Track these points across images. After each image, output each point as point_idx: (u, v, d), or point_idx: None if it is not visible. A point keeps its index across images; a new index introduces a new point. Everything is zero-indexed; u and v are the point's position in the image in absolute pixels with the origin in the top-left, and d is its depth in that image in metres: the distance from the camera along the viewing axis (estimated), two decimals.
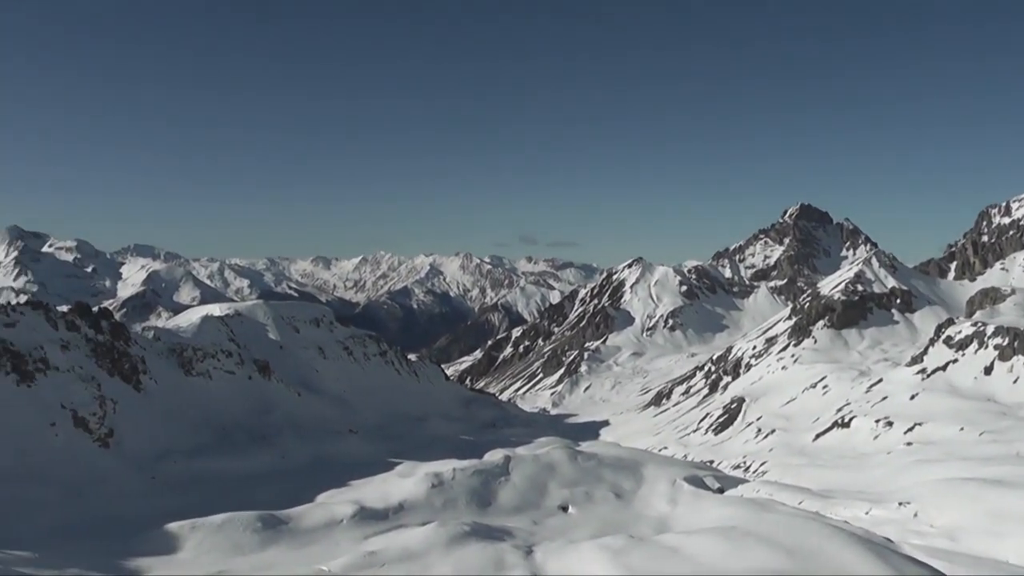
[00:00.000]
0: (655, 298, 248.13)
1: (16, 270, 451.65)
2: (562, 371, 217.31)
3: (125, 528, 69.85)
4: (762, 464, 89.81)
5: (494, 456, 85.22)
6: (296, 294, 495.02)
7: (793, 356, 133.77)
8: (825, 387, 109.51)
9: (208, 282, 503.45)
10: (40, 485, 79.55)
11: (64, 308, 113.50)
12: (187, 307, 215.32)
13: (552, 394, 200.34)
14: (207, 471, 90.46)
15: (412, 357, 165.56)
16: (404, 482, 79.75)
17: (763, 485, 75.96)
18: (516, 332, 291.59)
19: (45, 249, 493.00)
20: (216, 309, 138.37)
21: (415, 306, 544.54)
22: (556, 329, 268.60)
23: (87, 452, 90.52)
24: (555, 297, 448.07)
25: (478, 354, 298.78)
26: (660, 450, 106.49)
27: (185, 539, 66.82)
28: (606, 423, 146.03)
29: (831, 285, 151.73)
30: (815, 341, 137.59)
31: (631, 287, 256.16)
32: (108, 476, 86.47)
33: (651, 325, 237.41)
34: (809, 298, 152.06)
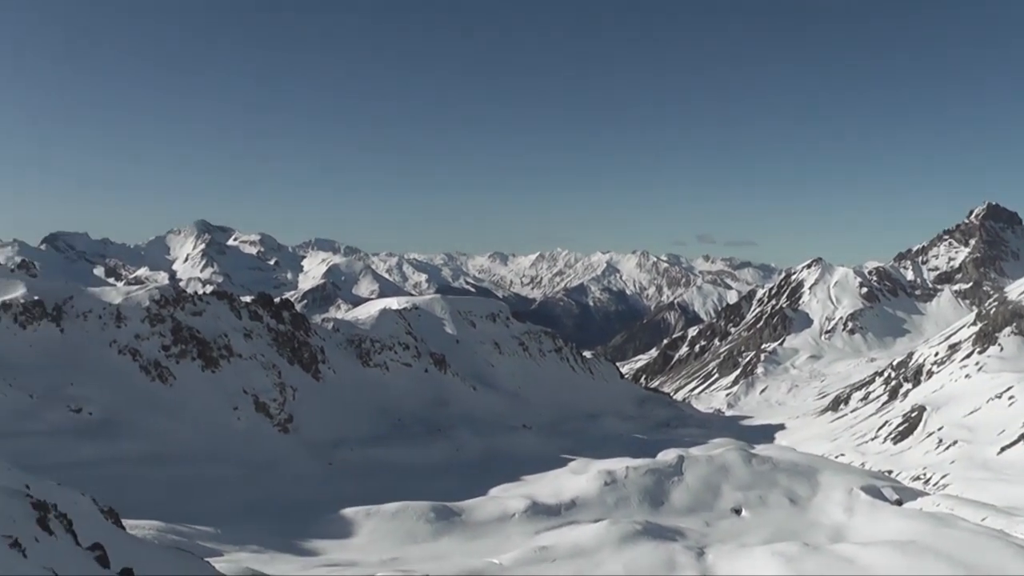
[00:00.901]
0: (834, 300, 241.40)
1: (203, 262, 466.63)
2: (738, 372, 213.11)
3: (302, 511, 70.49)
4: (943, 477, 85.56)
5: (667, 456, 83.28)
6: (473, 289, 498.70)
7: (977, 364, 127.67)
8: (1011, 398, 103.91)
9: (387, 276, 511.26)
10: (223, 465, 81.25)
11: (248, 299, 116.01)
12: (366, 300, 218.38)
13: (727, 395, 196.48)
14: (382, 460, 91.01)
15: (587, 354, 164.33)
16: (577, 479, 78.54)
17: (944, 499, 72.22)
18: (692, 331, 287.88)
19: (230, 242, 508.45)
20: (394, 303, 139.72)
21: (591, 303, 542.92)
22: (733, 329, 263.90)
23: (267, 436, 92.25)
24: (732, 297, 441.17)
25: (653, 353, 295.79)
26: (836, 457, 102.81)
27: (360, 525, 67.01)
28: (781, 427, 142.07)
29: (1020, 290, 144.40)
30: (1001, 349, 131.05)
31: (810, 288, 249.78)
32: (287, 460, 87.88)
33: (829, 328, 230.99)
34: (996, 303, 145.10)
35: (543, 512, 70.13)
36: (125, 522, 40.47)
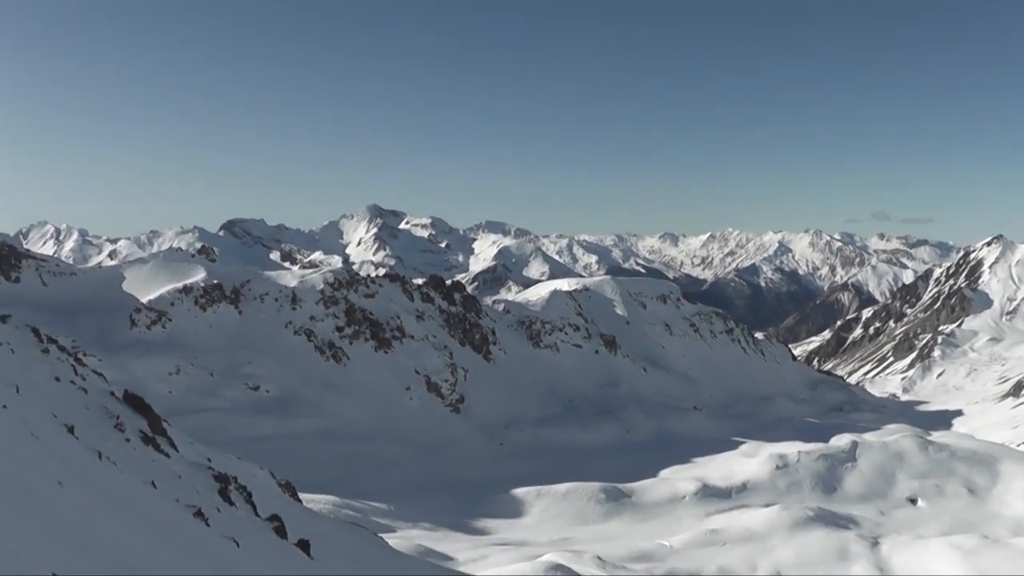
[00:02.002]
0: (1016, 279, 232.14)
1: (375, 245, 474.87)
2: (914, 355, 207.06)
3: (473, 489, 71.20)
4: None
5: (840, 441, 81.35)
6: (643, 270, 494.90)
7: None
8: None
9: (557, 257, 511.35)
10: (396, 444, 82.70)
11: (419, 281, 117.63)
12: (536, 282, 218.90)
13: (902, 379, 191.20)
14: (552, 440, 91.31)
15: (759, 336, 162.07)
16: (748, 462, 77.39)
17: None
18: (866, 313, 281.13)
19: (402, 226, 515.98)
20: (564, 284, 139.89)
21: (762, 284, 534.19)
22: (908, 311, 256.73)
23: (439, 416, 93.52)
24: (908, 276, 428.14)
25: (826, 334, 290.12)
26: (1019, 445, 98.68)
27: (531, 505, 67.30)
28: (959, 412, 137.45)
29: None
30: None
31: (990, 267, 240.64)
32: (458, 439, 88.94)
33: (1011, 309, 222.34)
34: None
35: (713, 495, 69.37)
36: (301, 496, 41.39)
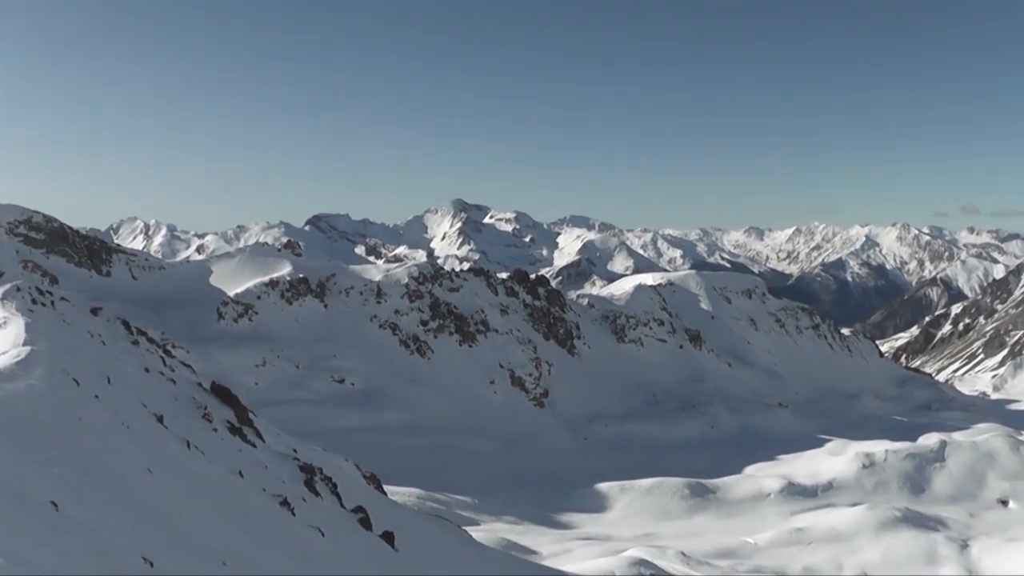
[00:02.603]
0: None
1: (460, 239, 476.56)
2: (1005, 352, 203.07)
3: (557, 484, 71.18)
4: None
5: (929, 440, 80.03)
6: (728, 265, 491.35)
7: None
8: None
9: (641, 252, 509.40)
10: (480, 438, 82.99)
11: (503, 275, 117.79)
12: (620, 276, 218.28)
13: (993, 377, 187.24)
14: (636, 435, 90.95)
15: (845, 331, 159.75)
16: (834, 460, 76.46)
17: None
18: (956, 308, 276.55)
19: (486, 220, 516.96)
20: (649, 278, 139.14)
21: (849, 278, 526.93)
22: (999, 307, 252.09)
23: (523, 410, 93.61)
24: (999, 271, 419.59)
25: (914, 331, 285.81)
26: None
27: (614, 500, 67.14)
28: None
29: None
30: None
31: None
32: (542, 433, 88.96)
33: None
34: None
35: (799, 493, 68.65)
36: (386, 488, 41.62)
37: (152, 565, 9.82)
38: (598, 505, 66.79)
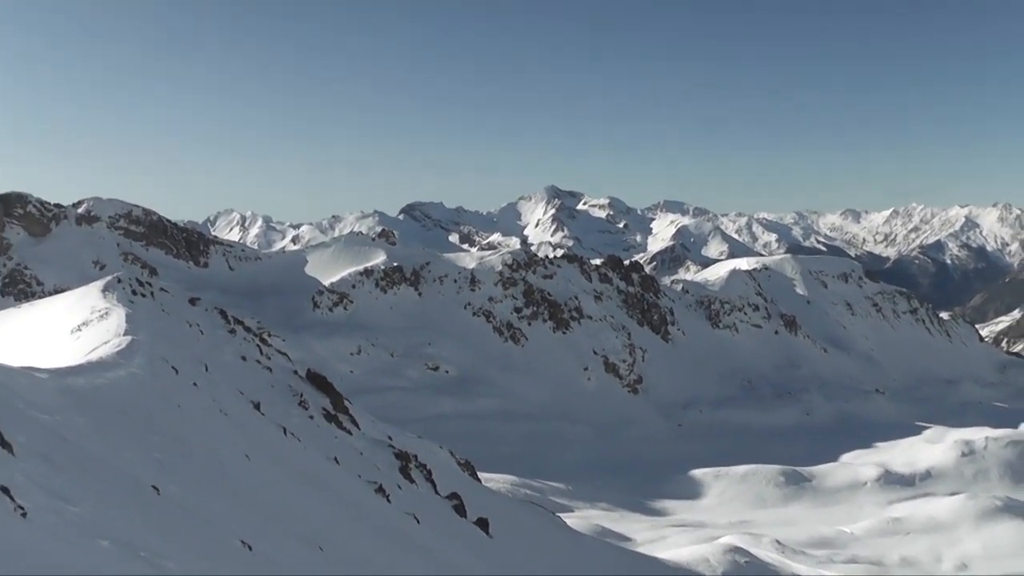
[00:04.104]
0: None
1: (553, 226, 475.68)
2: None
3: (651, 470, 71.01)
4: None
5: None
6: (824, 248, 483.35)
7: None
8: None
9: (736, 236, 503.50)
10: (574, 424, 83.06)
11: (597, 261, 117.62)
12: (715, 261, 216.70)
13: None
14: (731, 422, 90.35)
15: (944, 315, 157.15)
16: (932, 448, 75.19)
17: None
18: None
19: (580, 207, 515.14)
20: (743, 263, 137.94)
21: (948, 261, 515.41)
22: None
23: (617, 396, 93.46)
24: None
25: (1016, 314, 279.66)
26: None
27: (709, 486, 66.79)
28: None
29: None
30: None
31: None
32: (636, 420, 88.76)
33: None
34: None
35: (896, 482, 67.60)
36: (480, 474, 41.85)
37: (250, 549, 9.99)
38: (692, 492, 66.48)
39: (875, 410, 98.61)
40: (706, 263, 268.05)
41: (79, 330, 24.47)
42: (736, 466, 69.44)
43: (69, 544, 6.91)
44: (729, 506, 63.35)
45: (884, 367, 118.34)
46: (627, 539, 46.19)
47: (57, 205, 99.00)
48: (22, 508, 7.00)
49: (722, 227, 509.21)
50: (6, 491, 7.07)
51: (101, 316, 25.24)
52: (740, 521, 58.00)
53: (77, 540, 7.19)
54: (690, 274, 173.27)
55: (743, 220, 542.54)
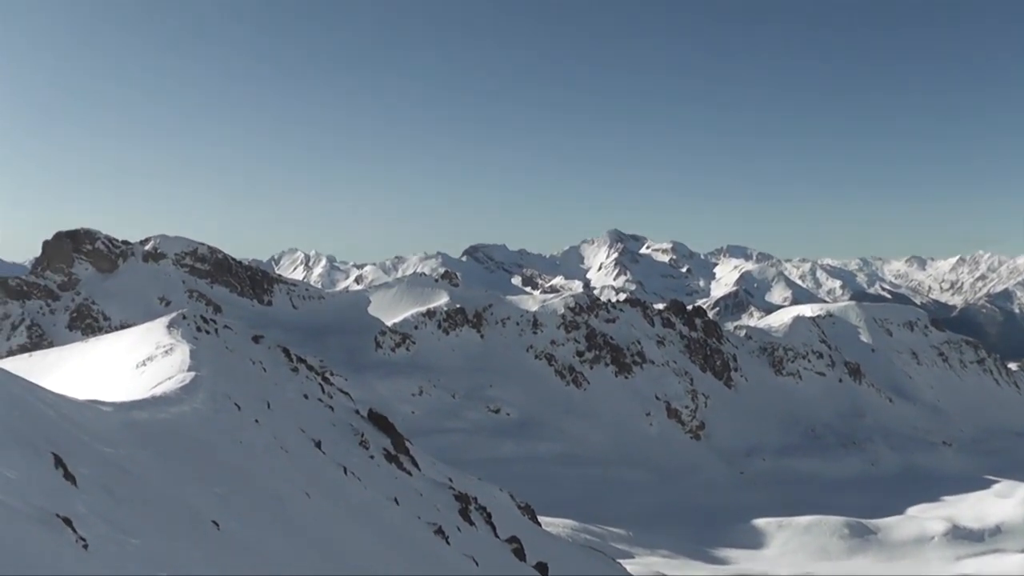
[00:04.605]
0: None
1: (616, 270, 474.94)
2: None
3: (712, 518, 70.34)
4: None
5: None
6: (889, 295, 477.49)
7: None
8: None
9: (799, 282, 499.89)
10: (635, 469, 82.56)
11: (660, 306, 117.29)
12: (778, 307, 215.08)
13: None
14: (794, 471, 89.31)
15: (1012, 366, 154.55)
16: (1002, 503, 73.77)
17: None
18: None
19: (643, 251, 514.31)
20: (807, 310, 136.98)
21: (1016, 310, 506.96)
22: None
23: (679, 442, 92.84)
24: None
25: None
26: None
27: (771, 536, 65.97)
28: None
29: None
30: None
31: None
32: (698, 466, 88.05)
33: None
34: None
35: (964, 537, 66.37)
36: (540, 518, 41.58)
37: None
38: (755, 541, 65.73)
39: (942, 462, 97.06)
40: (769, 309, 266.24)
41: (144, 365, 24.72)
42: (799, 516, 68.59)
43: None
44: (792, 557, 62.52)
45: (951, 418, 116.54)
46: None
47: (124, 242, 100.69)
48: (84, 540, 6.98)
49: (786, 273, 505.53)
50: (68, 522, 7.07)
51: (166, 352, 25.50)
52: (803, 573, 57.20)
53: (137, 572, 7.16)
54: (753, 320, 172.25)
55: (807, 266, 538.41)
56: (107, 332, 61.58)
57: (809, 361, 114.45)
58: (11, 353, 69.67)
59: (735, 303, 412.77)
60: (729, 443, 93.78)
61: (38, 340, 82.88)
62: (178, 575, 7.65)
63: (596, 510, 65.05)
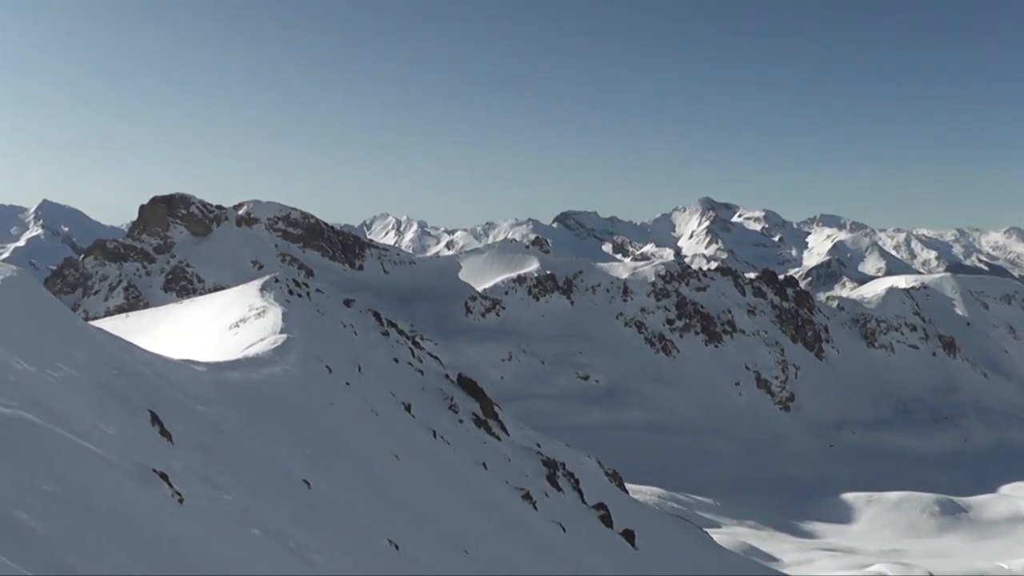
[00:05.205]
0: None
1: (707, 238, 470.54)
2: None
3: (800, 490, 69.90)
4: None
5: None
6: (986, 268, 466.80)
7: None
8: None
9: (894, 253, 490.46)
10: (724, 439, 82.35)
11: (751, 275, 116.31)
12: (871, 278, 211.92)
13: None
14: (884, 445, 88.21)
15: None
16: None
17: None
18: None
19: (734, 219, 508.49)
20: (901, 281, 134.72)
21: None
22: None
23: (768, 413, 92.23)
24: None
25: None
26: None
27: (860, 511, 65.30)
28: None
29: None
30: None
31: None
32: (787, 438, 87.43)
33: None
34: None
35: None
36: (627, 486, 41.56)
37: (397, 548, 10.01)
38: (843, 515, 65.10)
39: None
40: (862, 280, 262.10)
41: (237, 327, 25.05)
42: (889, 492, 67.75)
43: (222, 531, 7.01)
44: (880, 533, 61.79)
45: None
46: (774, 559, 45.42)
47: (219, 207, 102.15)
48: (179, 494, 7.12)
49: (879, 243, 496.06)
50: (164, 477, 7.21)
51: (258, 314, 25.80)
52: (891, 550, 56.48)
53: (230, 528, 7.29)
54: (846, 291, 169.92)
55: (901, 236, 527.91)
56: (201, 294, 62.69)
57: (902, 334, 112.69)
58: (108, 313, 71.16)
59: (827, 273, 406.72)
60: (819, 415, 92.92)
61: (134, 301, 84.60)
62: (270, 531, 7.76)
63: (683, 478, 65.00)
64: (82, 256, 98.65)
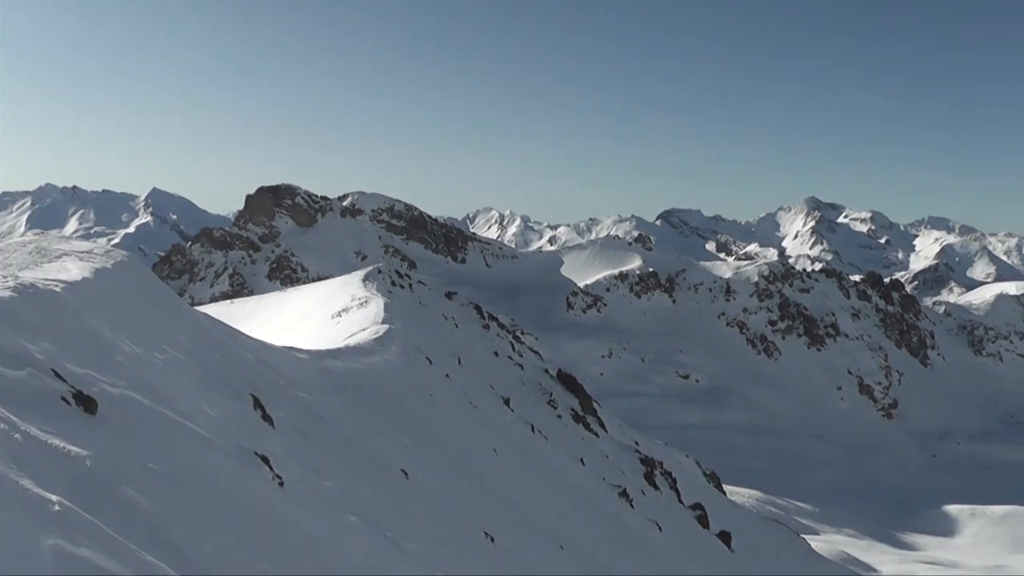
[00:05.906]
0: None
1: (812, 239, 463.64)
2: None
3: (902, 501, 68.59)
4: None
5: None
6: None
7: None
8: None
9: (1004, 258, 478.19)
10: (823, 444, 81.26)
11: (856, 277, 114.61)
12: (980, 284, 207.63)
13: None
14: (990, 457, 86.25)
15: None
16: None
17: None
18: None
19: (840, 220, 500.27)
20: (1012, 288, 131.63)
21: None
22: None
23: (870, 419, 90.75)
24: None
25: None
26: None
27: (963, 524, 63.88)
28: None
29: None
30: None
31: None
32: (889, 446, 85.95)
33: None
34: None
35: None
36: (725, 488, 41.21)
37: (493, 540, 10.05)
38: (945, 528, 63.76)
39: None
40: (971, 285, 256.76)
41: (339, 316, 25.36)
42: (994, 506, 66.18)
43: (320, 515, 7.09)
44: (985, 548, 60.36)
45: None
46: (872, 570, 44.69)
47: (324, 197, 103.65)
48: (279, 478, 7.22)
49: (990, 247, 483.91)
50: (266, 460, 7.31)
51: (361, 304, 26.07)
52: (995, 565, 55.13)
53: (328, 512, 7.37)
54: (953, 296, 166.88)
55: (1013, 241, 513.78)
56: (304, 283, 63.53)
57: (1011, 342, 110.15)
58: (214, 299, 72.64)
59: (935, 278, 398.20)
60: (922, 424, 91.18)
61: (239, 288, 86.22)
62: (367, 518, 7.83)
63: (782, 482, 64.22)
64: (189, 243, 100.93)
